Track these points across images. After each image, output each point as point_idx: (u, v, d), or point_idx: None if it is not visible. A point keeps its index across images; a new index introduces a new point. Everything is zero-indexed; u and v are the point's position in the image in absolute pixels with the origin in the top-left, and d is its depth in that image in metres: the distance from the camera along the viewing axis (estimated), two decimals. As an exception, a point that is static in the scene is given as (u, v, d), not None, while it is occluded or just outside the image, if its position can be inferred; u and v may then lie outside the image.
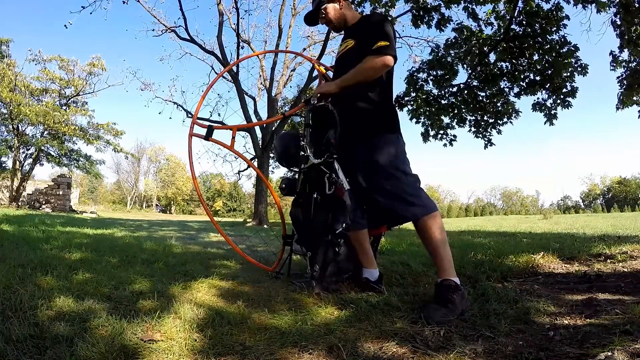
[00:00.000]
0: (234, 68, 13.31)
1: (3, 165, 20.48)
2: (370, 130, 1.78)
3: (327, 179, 1.79)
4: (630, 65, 7.03)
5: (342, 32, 2.04)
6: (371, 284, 1.82)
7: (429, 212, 1.66)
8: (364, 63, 1.74)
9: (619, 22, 6.25)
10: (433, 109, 7.94)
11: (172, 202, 54.54)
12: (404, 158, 1.78)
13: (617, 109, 7.40)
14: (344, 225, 1.75)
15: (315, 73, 2.75)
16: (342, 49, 1.96)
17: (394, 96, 2.00)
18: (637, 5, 5.87)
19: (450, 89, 7.89)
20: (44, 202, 18.51)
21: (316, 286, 1.78)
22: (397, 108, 1.92)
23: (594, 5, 6.02)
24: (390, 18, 7.06)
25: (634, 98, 7.13)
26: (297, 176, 2.08)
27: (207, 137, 2.22)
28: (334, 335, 1.23)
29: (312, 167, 1.88)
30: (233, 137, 2.31)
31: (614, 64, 7.10)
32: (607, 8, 6.05)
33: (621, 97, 7.25)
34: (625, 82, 7.10)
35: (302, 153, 1.95)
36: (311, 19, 2.08)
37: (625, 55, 6.90)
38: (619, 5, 5.97)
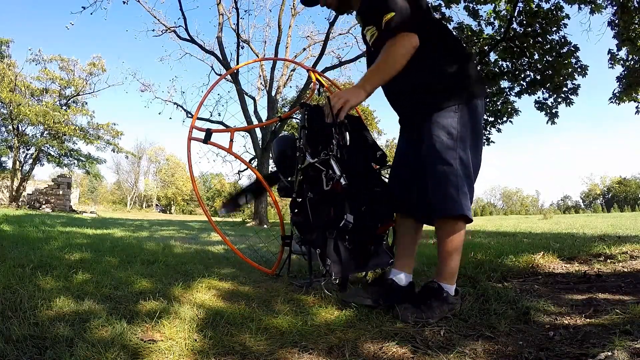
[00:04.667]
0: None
1: (3, 165, 20.51)
2: (425, 109, 1.48)
3: (324, 176, 1.79)
4: (627, 63, 7.10)
5: (348, 14, 1.81)
6: (398, 287, 1.57)
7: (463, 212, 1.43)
8: (382, 55, 1.43)
9: (617, 22, 6.28)
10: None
11: (172, 202, 54.54)
12: (461, 138, 1.43)
13: (611, 101, 7.50)
14: (346, 219, 1.75)
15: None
16: (370, 39, 1.62)
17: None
18: (636, 4, 5.89)
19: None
20: (44, 202, 18.51)
21: (334, 278, 1.78)
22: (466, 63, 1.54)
23: (589, 5, 6.04)
24: None
25: (633, 95, 7.21)
26: (294, 177, 2.08)
27: (206, 140, 2.22)
28: (334, 335, 1.23)
29: (308, 166, 1.88)
30: (231, 140, 2.31)
31: (612, 62, 7.16)
32: (602, 9, 6.09)
33: (618, 94, 7.34)
34: (624, 80, 7.17)
35: (298, 154, 1.95)
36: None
37: (622, 53, 6.97)
38: (617, 5, 5.99)
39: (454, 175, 1.41)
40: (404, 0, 1.43)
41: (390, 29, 1.39)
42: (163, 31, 14.38)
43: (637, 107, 7.51)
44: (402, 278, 1.60)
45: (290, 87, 17.13)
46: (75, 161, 21.56)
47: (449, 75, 1.49)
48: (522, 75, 7.43)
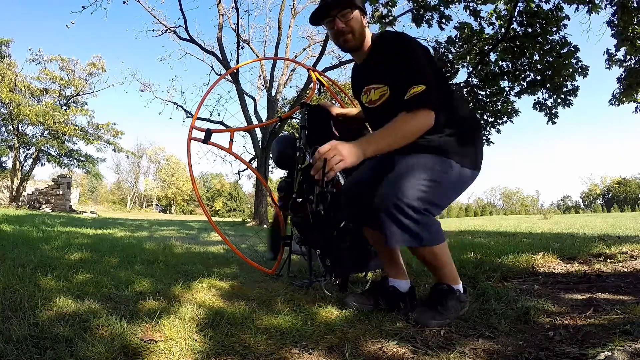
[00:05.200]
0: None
1: (3, 165, 20.52)
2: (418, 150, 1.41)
3: None
4: (625, 64, 7.11)
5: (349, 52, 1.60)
6: (399, 294, 1.56)
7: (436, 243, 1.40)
8: (395, 124, 1.32)
9: (615, 22, 6.28)
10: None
11: (172, 202, 54.55)
12: (442, 190, 1.37)
13: (610, 104, 7.55)
14: (347, 219, 1.74)
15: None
16: (379, 98, 1.53)
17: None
18: (636, 4, 5.89)
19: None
20: (44, 202, 18.50)
21: (333, 279, 1.77)
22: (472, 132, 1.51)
23: (587, 5, 6.04)
24: (391, 17, 6.73)
25: (633, 95, 7.24)
26: (294, 177, 2.08)
27: (206, 140, 2.22)
28: (335, 335, 1.23)
29: (309, 166, 1.88)
30: (231, 140, 2.32)
31: (609, 62, 7.18)
32: (600, 9, 6.09)
33: (618, 96, 7.37)
34: (624, 81, 7.18)
35: (298, 154, 1.95)
36: (320, 18, 1.55)
37: (621, 54, 6.98)
38: (617, 5, 5.99)
39: (416, 210, 1.31)
40: (433, 74, 1.38)
41: (413, 102, 1.32)
42: (163, 31, 14.39)
43: (636, 107, 7.53)
44: (402, 285, 1.59)
45: (290, 87, 17.16)
46: (75, 161, 21.57)
47: (457, 140, 1.44)
48: (522, 76, 7.43)
